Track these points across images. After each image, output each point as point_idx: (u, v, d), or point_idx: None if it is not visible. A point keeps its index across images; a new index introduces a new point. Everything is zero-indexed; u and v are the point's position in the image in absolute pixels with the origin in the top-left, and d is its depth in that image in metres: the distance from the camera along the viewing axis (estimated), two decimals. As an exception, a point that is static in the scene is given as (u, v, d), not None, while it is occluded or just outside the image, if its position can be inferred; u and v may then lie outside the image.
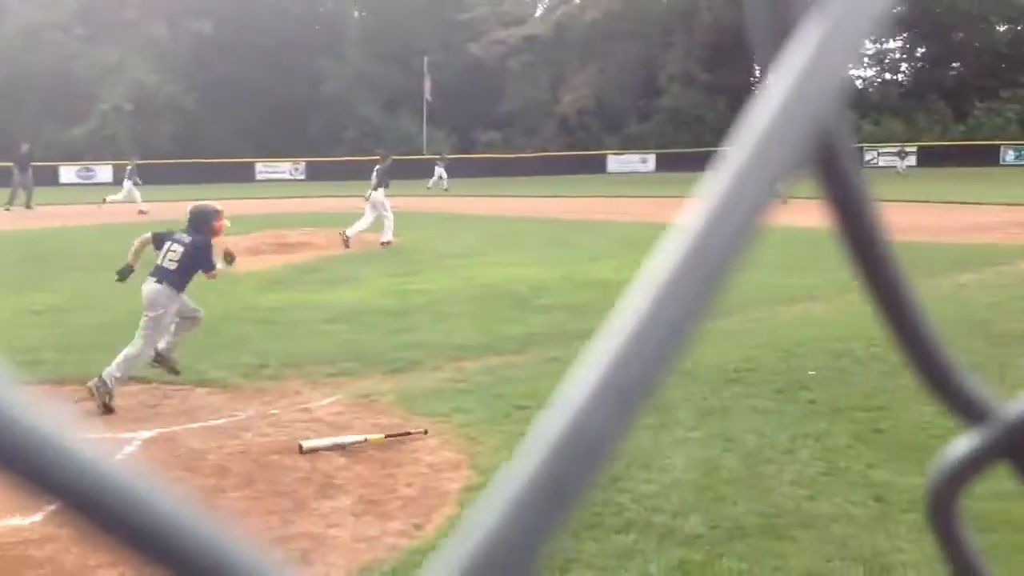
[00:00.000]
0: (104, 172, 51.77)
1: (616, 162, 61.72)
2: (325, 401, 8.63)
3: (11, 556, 5.49)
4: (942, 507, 0.29)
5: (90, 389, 8.32)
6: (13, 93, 55.65)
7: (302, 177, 56.84)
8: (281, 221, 27.51)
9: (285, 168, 57.83)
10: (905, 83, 68.38)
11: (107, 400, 8.34)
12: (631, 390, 0.24)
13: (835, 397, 8.30)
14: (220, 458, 7.18)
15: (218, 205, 9.41)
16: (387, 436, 7.41)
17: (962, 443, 0.30)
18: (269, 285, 15.87)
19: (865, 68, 74.06)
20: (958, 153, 51.66)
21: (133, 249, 9.28)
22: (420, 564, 5.33)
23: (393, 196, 22.56)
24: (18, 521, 5.90)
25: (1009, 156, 57.08)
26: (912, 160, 56.90)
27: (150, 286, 8.81)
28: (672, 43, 64.84)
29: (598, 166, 60.19)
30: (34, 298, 14.28)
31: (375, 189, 21.64)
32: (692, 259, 0.24)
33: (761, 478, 6.37)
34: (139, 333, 8.70)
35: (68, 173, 52.24)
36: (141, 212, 30.60)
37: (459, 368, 9.66)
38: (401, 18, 65.21)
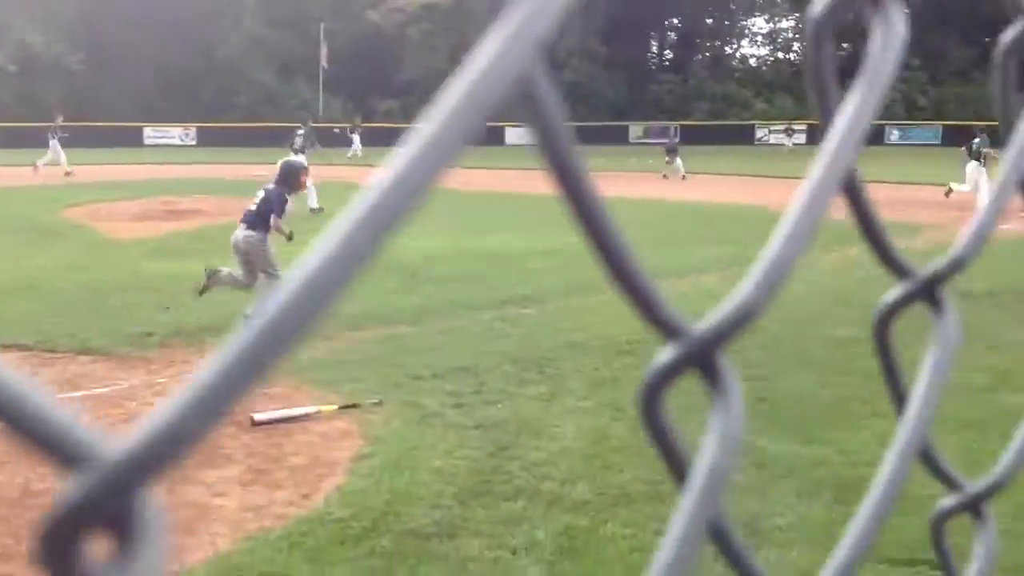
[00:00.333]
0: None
1: (515, 134, 61.67)
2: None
3: None
4: (649, 408, 0.37)
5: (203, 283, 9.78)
6: None
7: (193, 143, 55.58)
8: (170, 187, 26.86)
9: (175, 133, 56.47)
10: (797, 62, 69.81)
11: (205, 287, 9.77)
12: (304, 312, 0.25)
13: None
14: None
15: (304, 162, 10.85)
16: (340, 407, 7.31)
17: (661, 355, 0.35)
18: (157, 252, 15.51)
19: (758, 47, 75.52)
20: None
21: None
22: (308, 533, 5.30)
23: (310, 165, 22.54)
24: None
25: (894, 136, 58.90)
26: (802, 138, 58.27)
27: (240, 232, 9.70)
28: (572, 16, 64.94)
29: (497, 138, 60.14)
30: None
31: (300, 152, 21.67)
32: (377, 207, 0.27)
33: (648, 446, 6.48)
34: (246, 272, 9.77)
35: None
36: (67, 174, 29.75)
37: (352, 338, 9.59)
38: (298, -18, 64.01)
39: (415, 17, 63.51)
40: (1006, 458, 0.61)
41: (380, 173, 0.28)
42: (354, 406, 7.32)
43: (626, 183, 25.74)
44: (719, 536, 0.42)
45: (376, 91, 63.42)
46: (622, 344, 9.14)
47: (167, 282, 12.69)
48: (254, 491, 5.95)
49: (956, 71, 59.92)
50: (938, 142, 51.40)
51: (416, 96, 64.27)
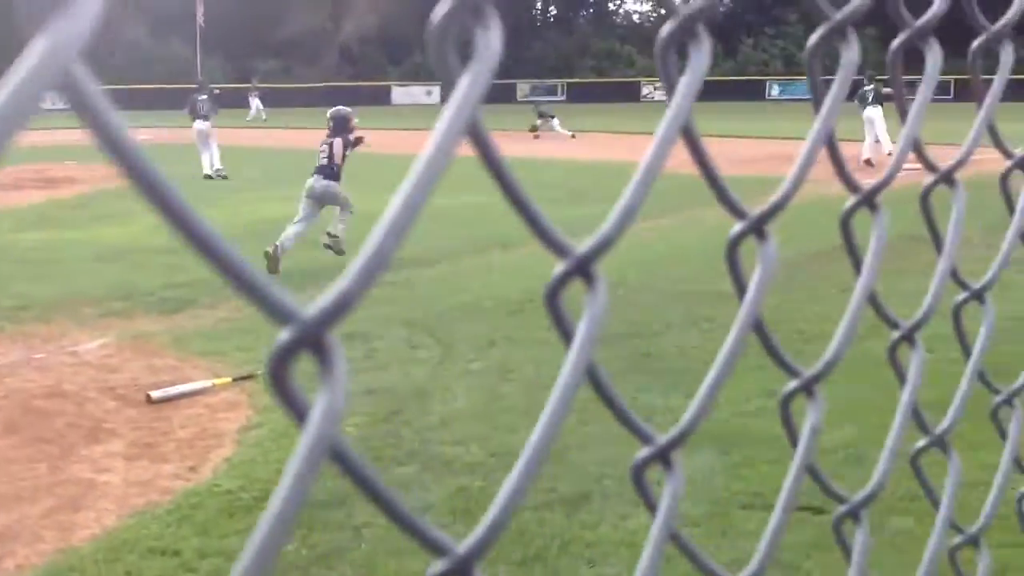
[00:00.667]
0: None
1: (401, 93, 61.08)
2: (94, 344, 8.26)
3: None
4: (278, 380, 0.41)
5: (268, 253, 10.80)
6: None
7: (63, 106, 53.40)
8: (42, 154, 25.84)
9: (45, 97, 54.34)
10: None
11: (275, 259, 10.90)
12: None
13: (609, 324, 8.58)
14: (-22, 407, 6.78)
15: (349, 109, 12.37)
16: (234, 379, 7.13)
17: (280, 336, 0.40)
18: (31, 222, 14.98)
19: (641, 2, 76.04)
20: (729, 88, 53.92)
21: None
22: (197, 506, 5.23)
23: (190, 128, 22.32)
24: None
25: (774, 91, 60.12)
26: (685, 94, 58.81)
27: (319, 182, 11.60)
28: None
29: (383, 98, 59.38)
30: None
31: (206, 119, 21.63)
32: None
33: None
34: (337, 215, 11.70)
35: None
36: None
37: (237, 307, 9.42)
38: (171, -62, 61.92)
39: (295, -26, 62.09)
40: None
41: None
42: (249, 377, 7.19)
43: (514, 142, 25.77)
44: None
45: (256, 51, 61.93)
46: (512, 305, 9.20)
47: (43, 253, 12.28)
48: (140, 466, 5.83)
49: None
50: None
51: (297, 56, 63.05)
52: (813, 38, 0.79)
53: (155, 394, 6.83)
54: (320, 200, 11.62)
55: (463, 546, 0.49)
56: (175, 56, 59.28)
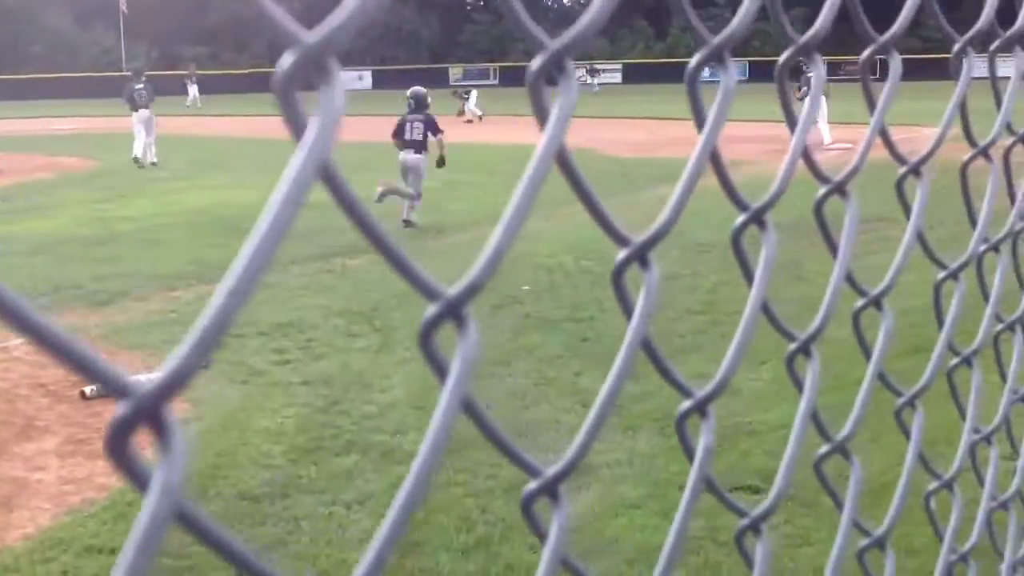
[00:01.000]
0: None
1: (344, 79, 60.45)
2: (22, 339, 8.07)
3: None
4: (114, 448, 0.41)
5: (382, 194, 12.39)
6: None
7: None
8: (-36, 145, 25.21)
9: (-35, 87, 52.90)
10: (609, 2, 70.78)
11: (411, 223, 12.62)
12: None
13: (547, 310, 8.64)
14: (-98, 407, 6.61)
15: (424, 89, 13.30)
16: None
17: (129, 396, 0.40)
18: (-47, 216, 14.59)
19: (572, -13, 76.12)
20: (663, 70, 54.12)
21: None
22: (133, 503, 5.15)
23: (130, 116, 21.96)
24: None
25: (705, 73, 60.48)
26: (617, 77, 59.24)
27: (411, 156, 13.01)
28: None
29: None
30: None
31: (145, 108, 21.40)
32: None
33: (480, 392, 6.56)
34: (411, 185, 12.96)
35: None
36: None
37: (170, 298, 9.30)
38: (92, -78, 60.53)
39: (220, -42, 61.14)
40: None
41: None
42: None
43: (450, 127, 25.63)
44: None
45: (182, 37, 60.89)
46: (448, 291, 9.18)
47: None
48: (74, 463, 5.73)
49: (758, 7, 61.96)
50: (746, 78, 53.24)
51: (224, 42, 62.11)
52: (782, 58, 0.89)
53: (89, 390, 6.70)
54: (410, 171, 12.81)
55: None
56: (99, 43, 58.06)
